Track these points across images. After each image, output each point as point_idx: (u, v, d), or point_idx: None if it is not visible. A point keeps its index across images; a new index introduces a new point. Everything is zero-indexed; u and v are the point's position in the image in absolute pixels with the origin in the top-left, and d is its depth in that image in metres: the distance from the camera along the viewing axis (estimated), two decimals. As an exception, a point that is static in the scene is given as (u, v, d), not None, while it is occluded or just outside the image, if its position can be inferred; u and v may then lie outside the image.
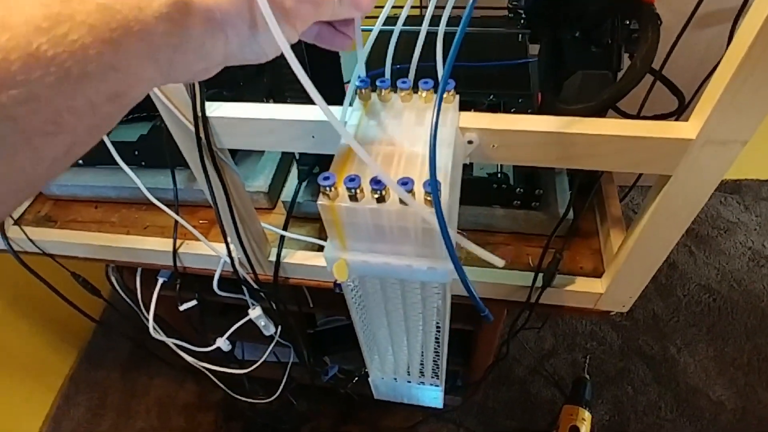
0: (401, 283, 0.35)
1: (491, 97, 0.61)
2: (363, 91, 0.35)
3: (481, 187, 0.59)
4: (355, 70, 0.34)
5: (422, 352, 0.45)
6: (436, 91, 0.34)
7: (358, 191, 0.28)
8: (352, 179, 0.28)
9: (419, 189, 0.27)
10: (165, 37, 0.20)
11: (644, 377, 1.22)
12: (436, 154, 0.26)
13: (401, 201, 0.27)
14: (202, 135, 0.43)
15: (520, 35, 0.64)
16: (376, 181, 0.27)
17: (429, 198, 0.27)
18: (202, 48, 0.22)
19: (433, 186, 0.25)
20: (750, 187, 1.53)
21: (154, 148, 0.70)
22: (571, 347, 1.28)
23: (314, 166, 0.61)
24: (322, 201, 0.29)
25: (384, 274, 0.33)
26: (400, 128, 0.33)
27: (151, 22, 0.20)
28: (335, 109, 0.38)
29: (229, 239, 0.56)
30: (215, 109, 0.42)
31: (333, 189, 0.28)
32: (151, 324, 0.72)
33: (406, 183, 0.27)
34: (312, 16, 0.26)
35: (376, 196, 0.28)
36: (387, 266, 0.31)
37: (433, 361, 0.46)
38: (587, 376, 1.16)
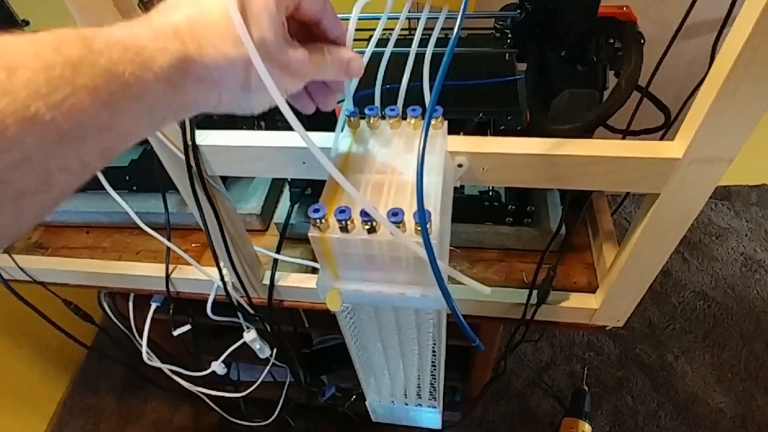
0: (395, 309, 0.35)
1: (480, 115, 0.62)
2: (352, 119, 0.35)
3: (473, 205, 0.59)
4: (345, 100, 0.34)
5: (419, 376, 0.44)
6: (424, 118, 0.34)
7: (348, 222, 0.28)
8: (342, 211, 0.28)
9: (410, 219, 0.27)
10: (162, 96, 0.21)
11: (643, 386, 1.21)
12: (423, 185, 0.26)
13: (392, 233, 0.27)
14: (192, 163, 0.43)
15: (507, 54, 0.65)
16: (366, 212, 0.27)
17: (420, 228, 0.27)
18: (194, 104, 0.23)
19: (422, 221, 0.25)
20: (739, 192, 1.55)
21: (145, 173, 0.69)
22: (569, 358, 1.27)
23: (306, 188, 0.61)
24: (313, 233, 0.28)
25: (377, 302, 0.33)
26: (390, 156, 0.33)
27: (151, 84, 0.20)
28: (326, 136, 0.39)
29: (221, 264, 0.56)
30: (205, 138, 0.43)
31: (323, 221, 0.28)
32: (144, 350, 0.71)
33: (396, 214, 0.27)
34: (309, 75, 0.26)
35: (367, 227, 0.28)
36: (380, 295, 0.31)
37: (430, 383, 0.45)
38: (586, 388, 1.16)
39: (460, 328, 0.27)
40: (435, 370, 0.42)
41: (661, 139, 0.57)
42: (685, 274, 1.40)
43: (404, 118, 0.36)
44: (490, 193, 0.59)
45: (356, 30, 0.32)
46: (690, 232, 1.46)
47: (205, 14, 0.22)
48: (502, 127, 0.60)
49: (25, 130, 0.17)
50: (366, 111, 0.35)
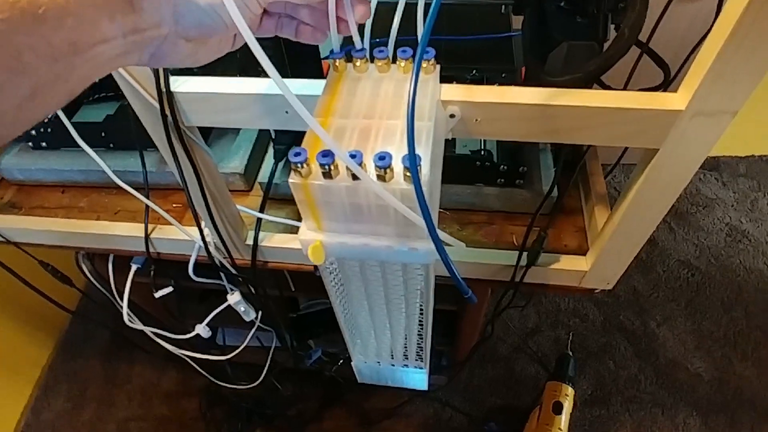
0: (382, 264, 0.33)
1: (474, 72, 0.59)
2: (337, 62, 0.32)
3: (464, 165, 0.58)
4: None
5: (405, 336, 0.43)
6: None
7: (332, 168, 0.26)
8: (325, 154, 0.26)
9: (398, 164, 0.26)
10: None
11: (625, 352, 1.24)
12: (414, 127, 0.24)
13: (379, 178, 0.25)
14: (167, 112, 0.40)
15: (504, 6, 0.62)
16: (351, 156, 0.25)
17: (408, 174, 0.25)
18: (146, 3, 0.23)
19: (412, 164, 0.23)
20: (728, 163, 1.55)
21: (122, 129, 0.66)
22: (555, 324, 1.29)
23: (291, 145, 0.59)
24: (293, 179, 0.27)
25: (363, 256, 0.31)
26: (378, 100, 0.31)
27: None
28: (314, 83, 0.36)
29: (203, 224, 0.54)
30: (181, 84, 0.40)
31: (305, 165, 0.26)
32: (125, 312, 0.69)
33: (383, 158, 0.25)
34: None
35: (352, 173, 0.26)
36: (366, 248, 0.30)
37: (417, 344, 0.44)
38: (570, 353, 1.17)
39: (452, 278, 0.25)
40: (422, 329, 0.42)
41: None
42: (671, 244, 1.41)
43: (394, 62, 0.33)
44: (482, 152, 0.57)
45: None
46: (678, 202, 1.46)
47: None
48: (496, 85, 0.58)
49: None
50: (353, 53, 0.32)
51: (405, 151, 0.26)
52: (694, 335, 1.26)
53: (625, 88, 0.54)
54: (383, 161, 0.25)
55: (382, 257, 0.31)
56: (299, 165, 0.26)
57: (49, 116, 0.65)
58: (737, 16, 0.30)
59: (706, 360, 1.22)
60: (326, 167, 0.26)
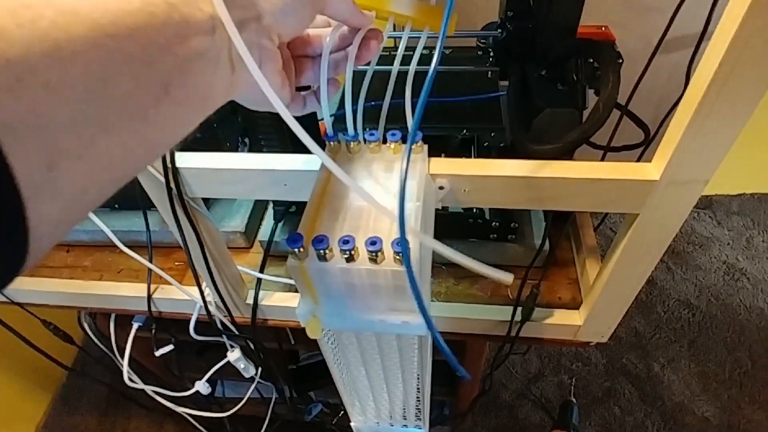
0: (377, 335, 0.34)
1: (464, 132, 0.62)
2: (332, 143, 0.35)
3: (457, 222, 0.60)
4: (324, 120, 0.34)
5: (403, 399, 0.44)
6: (404, 142, 0.35)
7: (327, 251, 0.28)
8: (320, 240, 0.27)
9: (388, 248, 0.27)
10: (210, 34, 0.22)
11: (630, 396, 1.22)
12: (404, 213, 0.26)
13: (370, 260, 0.27)
14: (173, 185, 0.43)
15: (490, 72, 0.65)
16: (344, 241, 0.27)
17: (399, 257, 0.27)
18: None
19: (404, 252, 0.25)
20: (721, 202, 1.58)
21: (126, 190, 0.68)
22: (557, 369, 1.28)
23: (290, 206, 0.61)
24: (291, 262, 0.28)
25: (358, 328, 0.33)
26: (370, 181, 0.33)
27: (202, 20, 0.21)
28: (307, 159, 0.38)
29: (203, 285, 0.55)
30: (185, 160, 0.42)
31: (302, 249, 0.28)
32: (125, 371, 0.69)
33: (374, 243, 0.27)
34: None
35: (346, 255, 0.27)
36: (360, 321, 0.31)
37: (416, 406, 0.45)
38: (574, 400, 1.16)
39: (445, 356, 0.27)
40: (420, 392, 0.42)
41: (642, 154, 0.58)
42: (669, 283, 1.41)
43: (384, 141, 0.36)
44: (474, 210, 0.59)
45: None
46: (673, 242, 1.48)
47: None
48: (485, 144, 0.61)
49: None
50: (346, 138, 0.35)
51: (395, 233, 0.28)
52: (699, 377, 1.24)
53: (608, 145, 0.57)
54: (374, 246, 0.27)
55: (376, 330, 0.32)
56: (297, 250, 0.28)
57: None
58: (700, 96, 0.32)
59: (713, 403, 1.20)
60: (321, 251, 0.27)
